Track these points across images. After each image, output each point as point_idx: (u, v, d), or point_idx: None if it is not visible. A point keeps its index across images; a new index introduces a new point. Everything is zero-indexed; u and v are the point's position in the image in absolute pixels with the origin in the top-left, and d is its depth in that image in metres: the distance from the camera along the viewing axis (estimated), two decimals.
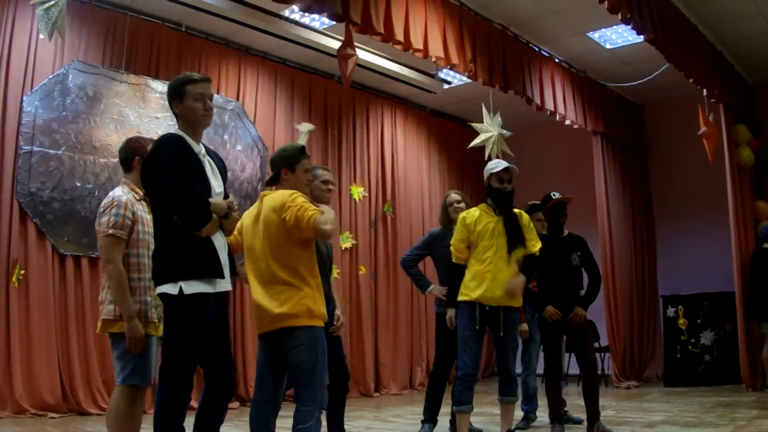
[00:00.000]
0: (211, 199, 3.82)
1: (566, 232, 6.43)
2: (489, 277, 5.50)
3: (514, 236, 5.58)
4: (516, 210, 5.74)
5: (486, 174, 5.80)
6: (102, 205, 4.32)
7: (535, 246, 5.69)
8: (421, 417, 6.54)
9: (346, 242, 10.73)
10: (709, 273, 11.12)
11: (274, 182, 4.49)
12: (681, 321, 10.38)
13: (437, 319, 6.51)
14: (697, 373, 10.22)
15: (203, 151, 3.99)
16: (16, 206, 7.52)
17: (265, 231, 4.23)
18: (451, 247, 5.78)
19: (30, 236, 7.59)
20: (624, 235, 11.46)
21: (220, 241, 3.90)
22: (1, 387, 7.20)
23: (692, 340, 10.30)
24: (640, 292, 11.70)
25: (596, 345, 10.77)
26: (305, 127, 5.67)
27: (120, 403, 4.16)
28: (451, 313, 5.89)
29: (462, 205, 6.50)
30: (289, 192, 4.24)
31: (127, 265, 4.22)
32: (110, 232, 4.19)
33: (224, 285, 3.91)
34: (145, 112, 8.53)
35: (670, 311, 10.56)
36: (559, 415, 6.13)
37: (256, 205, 4.46)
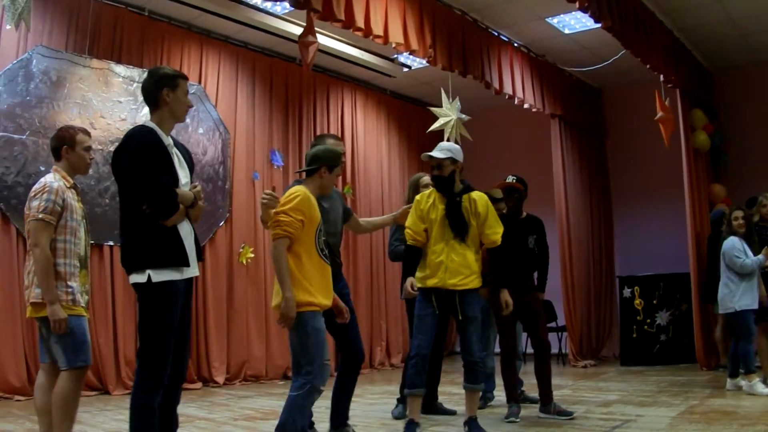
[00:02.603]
0: (178, 190, 3.92)
1: (524, 214, 6.56)
2: (442, 268, 5.34)
3: (455, 224, 5.40)
4: (475, 194, 5.50)
5: None
6: (33, 190, 4.47)
7: (493, 235, 5.46)
8: (393, 397, 6.62)
9: None
10: (665, 255, 11.38)
11: (307, 174, 4.59)
12: (637, 301, 10.60)
13: (407, 305, 6.45)
14: (652, 353, 10.47)
15: (171, 143, 4.09)
16: None
17: None
18: (407, 229, 5.55)
19: None
20: (581, 216, 11.65)
21: (186, 229, 4.00)
22: None
23: (648, 320, 10.53)
24: (597, 273, 11.92)
25: (554, 324, 11.01)
26: None
27: (68, 385, 4.31)
28: (409, 281, 5.60)
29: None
30: (295, 193, 4.34)
31: (54, 250, 4.38)
32: (40, 216, 4.33)
33: (191, 272, 4.02)
34: (108, 96, 8.56)
35: (627, 292, 10.76)
36: (515, 395, 6.30)
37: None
